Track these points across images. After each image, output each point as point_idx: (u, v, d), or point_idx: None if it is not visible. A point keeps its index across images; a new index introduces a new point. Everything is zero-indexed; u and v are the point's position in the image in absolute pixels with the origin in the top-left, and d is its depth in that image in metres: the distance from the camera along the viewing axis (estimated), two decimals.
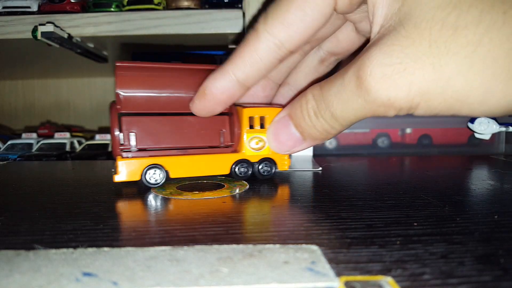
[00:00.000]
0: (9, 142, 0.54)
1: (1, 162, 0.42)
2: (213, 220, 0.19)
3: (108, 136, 0.55)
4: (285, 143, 0.25)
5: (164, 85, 0.27)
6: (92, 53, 0.55)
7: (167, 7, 0.48)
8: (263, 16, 0.22)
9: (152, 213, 0.21)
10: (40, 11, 0.47)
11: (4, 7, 0.46)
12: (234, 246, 0.15)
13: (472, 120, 0.42)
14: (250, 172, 0.28)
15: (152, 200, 0.23)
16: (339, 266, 0.14)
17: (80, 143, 0.55)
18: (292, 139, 0.24)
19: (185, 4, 0.46)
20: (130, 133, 0.26)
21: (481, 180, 0.30)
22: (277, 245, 0.16)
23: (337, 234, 0.17)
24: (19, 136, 0.57)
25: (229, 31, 0.46)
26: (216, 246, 0.15)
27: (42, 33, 0.43)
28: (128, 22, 0.46)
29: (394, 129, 0.49)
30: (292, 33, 0.22)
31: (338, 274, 0.13)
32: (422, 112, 0.18)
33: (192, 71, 0.27)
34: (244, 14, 0.46)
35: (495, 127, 0.41)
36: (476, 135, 0.42)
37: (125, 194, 0.25)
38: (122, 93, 0.26)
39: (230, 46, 0.55)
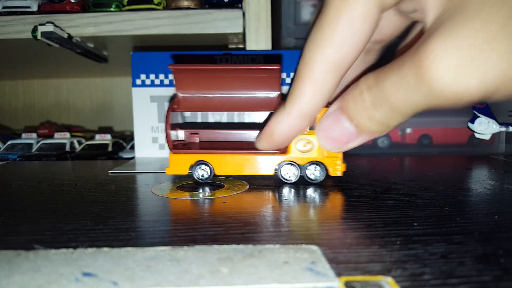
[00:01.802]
0: (9, 142, 0.54)
1: (1, 162, 0.42)
2: (213, 220, 0.19)
3: (107, 136, 0.56)
4: (338, 139, 0.22)
5: (216, 87, 0.29)
6: (92, 53, 0.55)
7: (167, 7, 0.48)
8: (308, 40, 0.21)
9: (152, 213, 0.21)
10: (40, 11, 0.47)
11: (4, 7, 0.46)
12: (234, 246, 0.15)
13: (472, 120, 0.42)
14: (297, 174, 0.27)
15: (152, 201, 0.23)
16: (339, 266, 0.14)
17: (80, 143, 0.55)
18: (345, 134, 0.22)
19: (185, 4, 0.46)
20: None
21: (481, 180, 0.29)
22: (277, 245, 0.16)
23: (337, 234, 0.17)
24: (19, 136, 0.57)
25: (229, 31, 0.46)
26: (216, 246, 0.15)
27: (42, 33, 0.43)
28: (128, 22, 0.46)
29: (394, 129, 0.49)
30: (344, 53, 0.20)
31: (338, 274, 0.13)
32: (496, 98, 0.17)
33: (241, 71, 0.29)
34: (244, 14, 0.46)
35: (495, 127, 0.41)
36: (476, 135, 0.42)
37: (125, 195, 0.25)
38: (180, 94, 0.29)
39: (230, 46, 0.55)
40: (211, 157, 0.28)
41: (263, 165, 0.27)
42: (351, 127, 0.22)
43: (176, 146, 0.29)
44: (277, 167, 0.27)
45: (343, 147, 0.23)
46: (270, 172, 0.27)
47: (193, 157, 0.28)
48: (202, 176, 0.28)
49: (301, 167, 0.27)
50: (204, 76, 0.29)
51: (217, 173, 0.28)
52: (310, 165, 0.27)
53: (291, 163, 0.27)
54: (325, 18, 0.20)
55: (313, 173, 0.27)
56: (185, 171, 0.28)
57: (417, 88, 0.18)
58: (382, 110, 0.20)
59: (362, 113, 0.21)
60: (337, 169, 0.27)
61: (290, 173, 0.27)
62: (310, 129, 0.26)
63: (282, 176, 0.27)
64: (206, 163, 0.28)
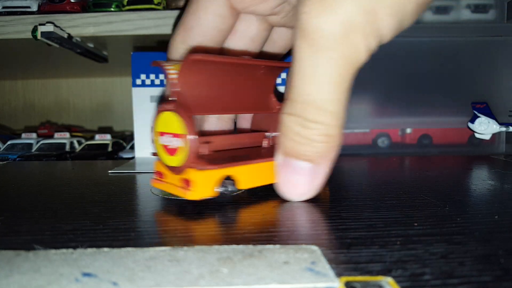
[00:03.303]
0: (9, 142, 0.53)
1: (1, 162, 0.42)
2: (213, 220, 0.19)
3: (107, 136, 0.55)
4: (299, 185, 0.21)
5: (227, 83, 0.25)
6: (92, 53, 0.55)
7: (167, 7, 0.48)
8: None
9: (152, 213, 0.21)
10: (40, 11, 0.47)
11: (4, 7, 0.46)
12: (234, 246, 0.15)
13: (472, 120, 0.42)
14: None
15: (152, 201, 0.23)
16: (339, 266, 0.14)
17: (80, 143, 0.55)
18: (302, 173, 0.21)
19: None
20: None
21: (481, 180, 0.29)
22: (277, 245, 0.15)
23: (337, 234, 0.17)
24: (19, 136, 0.57)
25: None
26: (216, 246, 0.15)
27: (42, 33, 0.43)
28: (128, 22, 0.46)
29: (394, 129, 0.49)
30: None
31: (338, 274, 0.13)
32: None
33: (254, 68, 0.25)
34: None
35: (495, 127, 0.41)
36: (476, 135, 0.42)
37: (125, 194, 0.25)
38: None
39: None
40: (236, 170, 0.22)
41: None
42: (302, 163, 0.20)
43: (201, 160, 0.21)
44: None
45: (311, 187, 0.21)
46: None
47: (218, 173, 0.21)
48: (226, 190, 0.22)
49: None
50: (215, 72, 0.23)
51: (240, 187, 0.23)
52: None
53: None
54: None
55: None
56: (212, 192, 0.21)
57: (302, 46, 0.19)
58: (313, 118, 0.19)
59: (301, 139, 0.20)
60: None
61: None
62: None
63: None
64: (229, 178, 0.22)
